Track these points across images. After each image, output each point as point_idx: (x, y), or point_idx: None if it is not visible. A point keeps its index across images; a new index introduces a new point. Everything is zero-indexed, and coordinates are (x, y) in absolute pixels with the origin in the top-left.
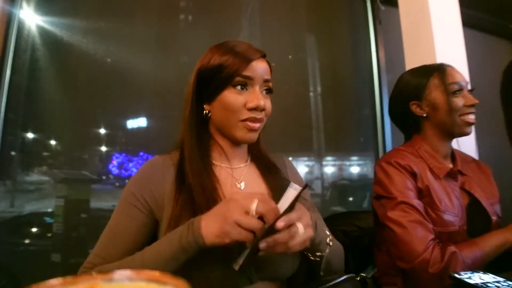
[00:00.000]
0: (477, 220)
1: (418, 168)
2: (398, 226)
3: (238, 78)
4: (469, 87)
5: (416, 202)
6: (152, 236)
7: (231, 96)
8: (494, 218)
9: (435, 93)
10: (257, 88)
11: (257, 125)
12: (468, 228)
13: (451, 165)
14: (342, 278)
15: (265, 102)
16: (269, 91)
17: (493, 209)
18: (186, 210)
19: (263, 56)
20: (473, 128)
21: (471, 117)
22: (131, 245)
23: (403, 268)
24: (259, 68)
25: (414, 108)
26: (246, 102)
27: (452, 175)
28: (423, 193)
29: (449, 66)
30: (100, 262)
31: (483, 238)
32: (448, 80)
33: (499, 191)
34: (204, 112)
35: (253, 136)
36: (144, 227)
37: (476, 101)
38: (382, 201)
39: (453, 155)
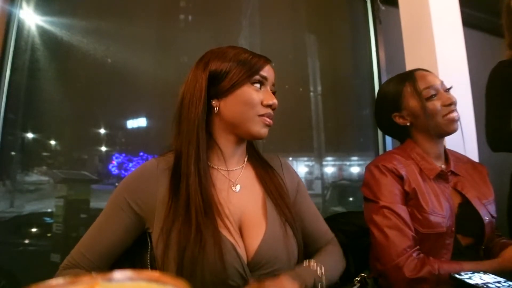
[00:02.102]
0: (469, 221)
1: (405, 171)
2: (378, 230)
3: (256, 77)
4: (447, 86)
5: (399, 207)
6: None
7: (251, 92)
8: (486, 218)
9: (411, 102)
10: (269, 88)
11: (271, 121)
12: (459, 229)
13: (443, 166)
14: None
15: None
16: (274, 94)
17: (486, 209)
18: (178, 216)
19: (271, 62)
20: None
21: (453, 115)
22: (113, 247)
23: (379, 269)
24: (271, 71)
25: (397, 119)
26: (262, 100)
27: (443, 176)
28: (410, 196)
29: (420, 70)
30: (82, 258)
31: (471, 263)
32: (420, 86)
33: (500, 192)
34: (215, 108)
35: (266, 132)
36: (129, 231)
37: (453, 99)
38: (367, 204)
39: (447, 156)
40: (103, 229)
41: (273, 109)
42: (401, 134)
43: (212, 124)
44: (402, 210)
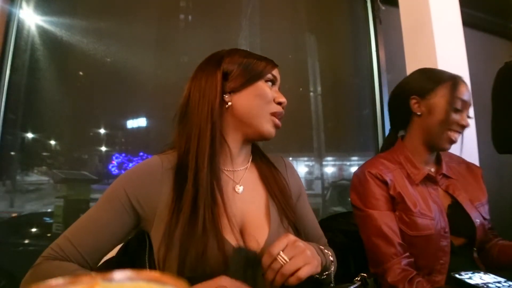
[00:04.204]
0: (459, 222)
1: (391, 176)
2: (365, 238)
3: (269, 75)
4: (471, 112)
5: (384, 214)
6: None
7: (265, 87)
8: (477, 221)
9: (439, 99)
10: (277, 89)
11: (280, 123)
12: (450, 229)
13: (432, 169)
14: (354, 286)
15: None
16: None
17: (478, 212)
18: (183, 215)
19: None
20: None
21: (456, 136)
22: (105, 240)
23: (371, 272)
24: (278, 75)
25: (413, 103)
26: (274, 97)
27: (431, 179)
28: (396, 200)
29: (464, 82)
30: (69, 248)
31: None
32: (457, 94)
33: (499, 193)
34: (227, 103)
35: (274, 133)
36: (123, 226)
37: (469, 125)
38: (355, 210)
39: (439, 159)
40: (96, 220)
41: (283, 108)
42: (400, 121)
43: (222, 121)
44: (388, 217)
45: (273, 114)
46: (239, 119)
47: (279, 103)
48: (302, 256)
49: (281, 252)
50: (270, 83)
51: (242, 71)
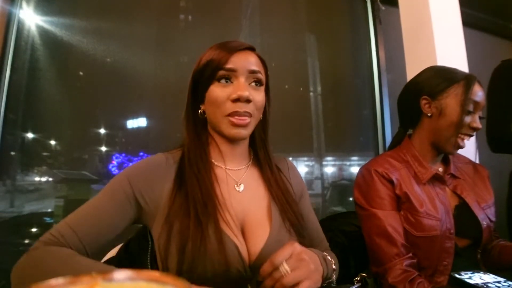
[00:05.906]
0: (466, 223)
1: (397, 175)
2: (368, 237)
3: (221, 72)
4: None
5: (388, 214)
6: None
7: (216, 90)
8: (484, 223)
9: (450, 100)
10: (242, 79)
11: (243, 120)
12: (458, 231)
13: (440, 169)
14: (354, 287)
15: (253, 93)
16: (258, 83)
17: (485, 213)
18: (181, 208)
19: (249, 49)
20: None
21: (465, 141)
22: (105, 230)
23: (373, 271)
24: (242, 59)
25: (423, 103)
26: (229, 95)
27: (439, 179)
28: (402, 199)
29: (478, 81)
30: (69, 234)
31: None
32: (470, 95)
33: (498, 193)
34: (199, 111)
35: (240, 132)
36: (125, 218)
37: (480, 127)
38: (358, 209)
39: (447, 158)
40: (98, 208)
41: (248, 102)
42: (410, 119)
43: (209, 125)
44: (392, 217)
45: (229, 115)
46: (211, 125)
47: (236, 99)
48: (304, 270)
49: (284, 262)
50: (224, 80)
51: (201, 79)
